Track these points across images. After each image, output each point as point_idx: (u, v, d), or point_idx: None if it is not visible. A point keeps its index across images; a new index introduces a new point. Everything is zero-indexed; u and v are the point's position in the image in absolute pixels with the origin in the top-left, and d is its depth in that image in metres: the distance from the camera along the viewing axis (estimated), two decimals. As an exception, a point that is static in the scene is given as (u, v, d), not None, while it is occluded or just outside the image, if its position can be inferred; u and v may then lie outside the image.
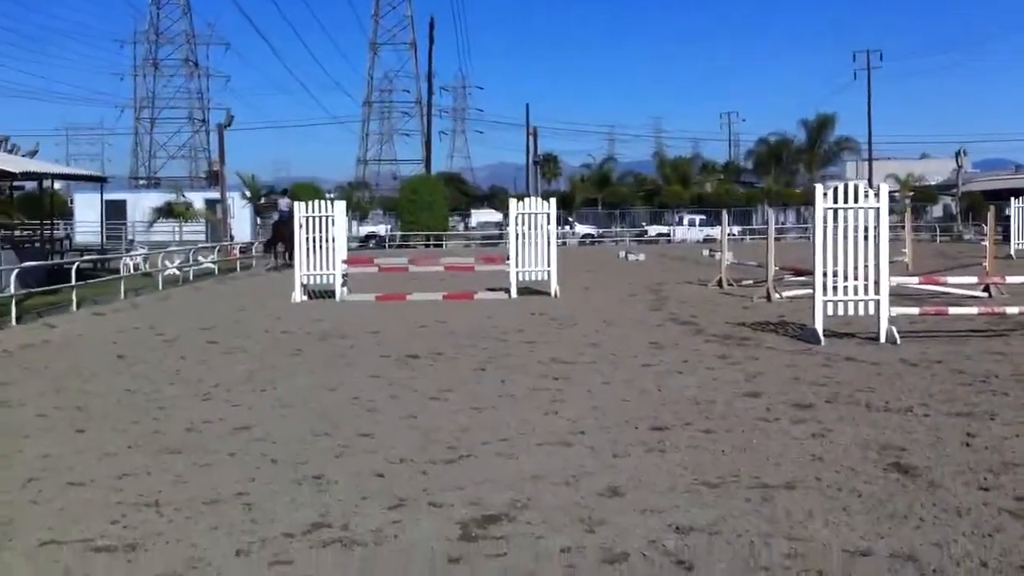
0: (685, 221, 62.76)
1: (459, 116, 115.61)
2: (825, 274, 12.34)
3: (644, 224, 65.00)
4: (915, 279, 15.41)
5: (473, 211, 74.25)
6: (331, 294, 20.60)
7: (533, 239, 20.57)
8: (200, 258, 31.39)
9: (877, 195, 12.31)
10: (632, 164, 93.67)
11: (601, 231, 63.83)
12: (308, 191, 56.49)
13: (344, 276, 20.69)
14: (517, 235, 20.55)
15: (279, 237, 32.99)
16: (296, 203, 21.45)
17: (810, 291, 18.20)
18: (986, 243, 20.72)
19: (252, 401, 9.08)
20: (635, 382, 9.66)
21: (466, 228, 69.80)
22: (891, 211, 44.64)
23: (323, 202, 21.17)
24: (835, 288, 12.35)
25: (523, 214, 20.60)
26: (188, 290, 24.53)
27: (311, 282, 20.67)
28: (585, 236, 61.34)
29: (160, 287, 24.42)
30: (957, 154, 65.34)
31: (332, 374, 10.55)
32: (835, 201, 12.38)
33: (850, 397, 8.59)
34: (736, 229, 60.76)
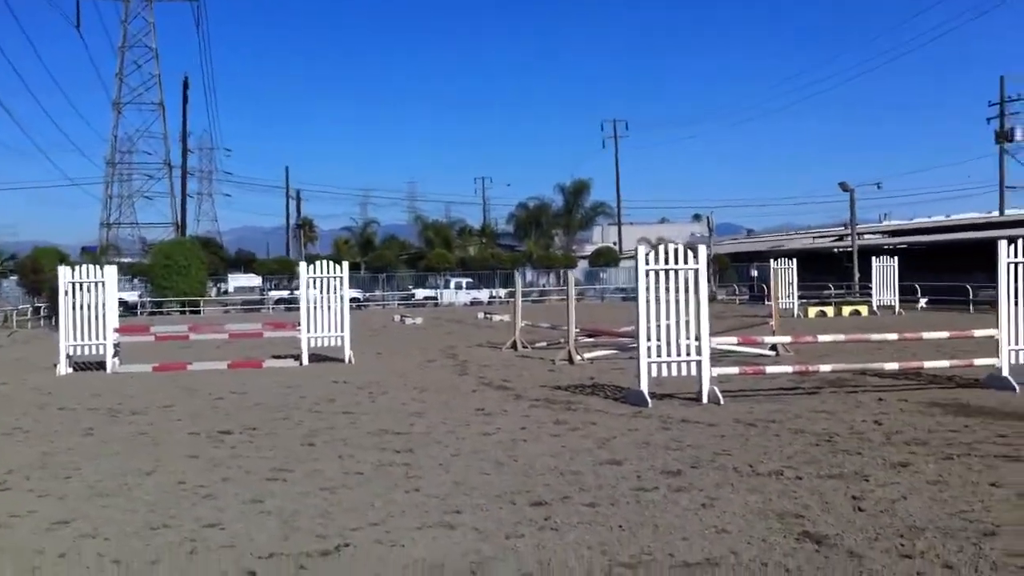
0: (452, 284, 62.96)
1: (206, 178, 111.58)
2: (649, 336, 12.28)
3: (411, 287, 64.65)
4: (733, 339, 15.68)
5: (230, 275, 71.59)
6: (101, 365, 18.94)
7: (325, 303, 19.74)
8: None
9: (696, 256, 12.42)
10: (389, 228, 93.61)
11: (367, 295, 63.02)
12: (51, 256, 52.80)
13: (116, 346, 19.07)
14: (308, 300, 19.63)
15: None
16: (61, 268, 19.65)
17: (611, 352, 18.46)
18: (770, 303, 21.61)
19: (60, 489, 7.89)
20: (484, 453, 9.12)
21: (219, 293, 67.07)
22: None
23: (93, 267, 19.49)
24: (658, 350, 12.32)
25: (315, 278, 19.72)
26: (-73, 364, 21.97)
27: (78, 352, 18.94)
28: (352, 300, 60.23)
29: None
30: (708, 217, 69.18)
31: (141, 455, 9.41)
32: (656, 263, 12.41)
33: (712, 462, 8.41)
34: (502, 292, 61.70)
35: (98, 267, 19.44)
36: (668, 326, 12.31)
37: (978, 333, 13.67)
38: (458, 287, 62.58)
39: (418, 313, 45.17)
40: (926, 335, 14.81)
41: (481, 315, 40.45)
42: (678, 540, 6.00)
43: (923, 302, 37.47)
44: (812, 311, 34.25)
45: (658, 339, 12.32)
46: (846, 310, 34.92)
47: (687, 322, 12.33)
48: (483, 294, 62.17)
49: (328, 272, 19.72)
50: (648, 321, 12.26)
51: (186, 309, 55.01)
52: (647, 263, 12.36)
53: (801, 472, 7.87)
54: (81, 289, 18.87)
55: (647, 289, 12.31)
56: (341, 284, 19.77)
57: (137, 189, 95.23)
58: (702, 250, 12.54)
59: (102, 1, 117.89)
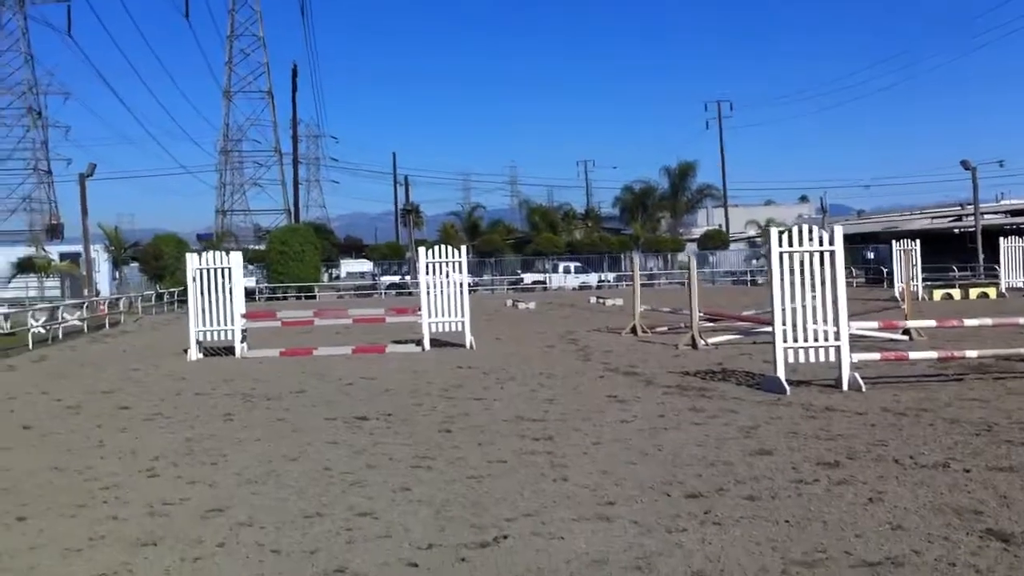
0: (560, 268, 62.72)
1: (313, 165, 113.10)
2: (784, 321, 11.91)
3: (518, 272, 64.65)
4: (873, 323, 15.15)
5: (342, 261, 72.58)
6: (229, 350, 19.32)
7: (445, 289, 19.76)
8: (66, 315, 29.38)
9: (832, 238, 11.98)
10: (492, 212, 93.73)
11: (475, 279, 63.25)
12: (171, 243, 54.39)
13: (243, 331, 19.42)
14: (428, 285, 19.68)
15: None
16: (189, 255, 20.08)
17: (734, 337, 18.06)
18: (900, 286, 20.88)
19: (208, 476, 7.98)
20: (626, 441, 8.94)
21: (331, 279, 67.98)
22: (760, 255, 45.73)
23: (219, 254, 19.88)
24: (794, 335, 11.94)
25: (434, 263, 19.75)
26: (63, 350, 22.76)
27: (206, 338, 19.34)
28: (451, 284, 60.45)
29: (31, 347, 22.58)
30: (820, 198, 67.58)
31: (283, 442, 9.48)
32: (789, 244, 12.01)
33: (868, 453, 8.07)
34: (611, 276, 61.28)
35: (224, 253, 19.80)
36: (804, 310, 11.92)
37: None
38: (566, 271, 62.32)
39: (528, 297, 45.08)
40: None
41: (593, 299, 40.21)
42: (851, 537, 5.72)
43: (1054, 284, 35.92)
44: (937, 294, 33.10)
45: (794, 324, 11.95)
46: (973, 292, 33.65)
47: (824, 306, 11.92)
48: (591, 278, 61.79)
49: (447, 256, 19.71)
50: (783, 305, 11.90)
51: (301, 295, 56.02)
52: (781, 245, 11.97)
53: (968, 464, 7.48)
54: (209, 275, 19.25)
55: (781, 272, 11.93)
56: (460, 268, 19.76)
57: (249, 177, 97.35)
58: (838, 230, 12.10)
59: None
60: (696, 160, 78.21)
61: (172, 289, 45.28)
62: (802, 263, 11.99)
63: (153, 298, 43.34)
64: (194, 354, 18.81)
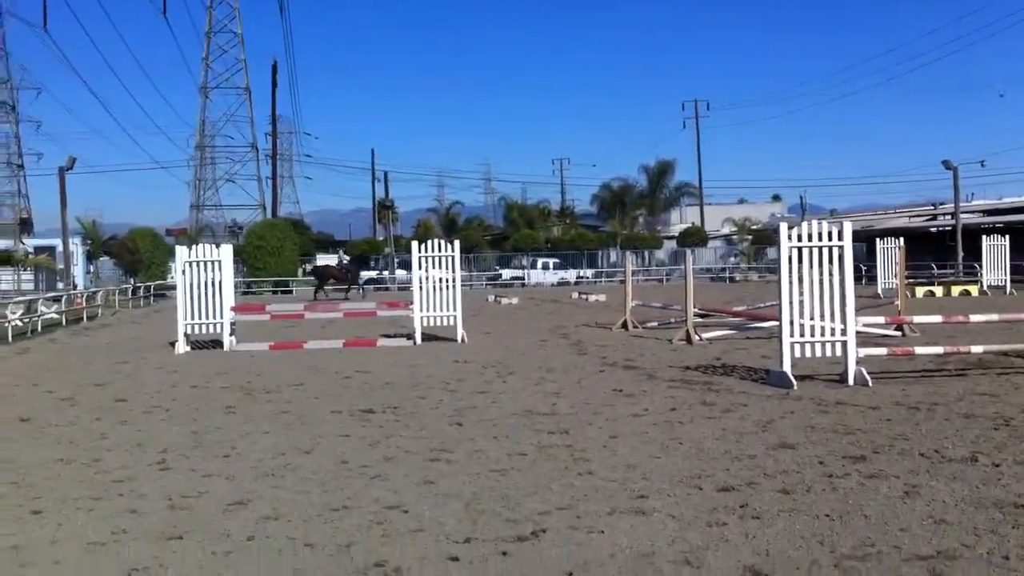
0: (539, 265, 62.59)
1: (288, 162, 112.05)
2: (792, 316, 11.85)
3: (497, 268, 64.46)
4: (879, 319, 15.11)
5: (318, 256, 72.07)
6: (217, 343, 19.07)
7: (437, 283, 19.60)
8: (44, 308, 28.92)
9: (841, 234, 11.93)
10: (468, 209, 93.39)
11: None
12: (147, 237, 53.75)
13: (232, 324, 19.17)
14: (421, 279, 19.50)
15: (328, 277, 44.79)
16: (178, 247, 19.79)
17: (728, 332, 18.02)
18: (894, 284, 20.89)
19: (223, 469, 7.80)
20: (644, 435, 8.83)
21: (305, 274, 67.26)
22: (737, 252, 45.94)
23: (210, 247, 19.61)
24: (800, 329, 11.88)
25: (427, 257, 19.57)
26: (44, 343, 22.35)
27: (193, 331, 19.07)
28: (441, 280, 60.23)
29: (10, 339, 22.19)
30: (801, 196, 67.94)
31: (292, 434, 9.30)
32: (799, 240, 11.95)
33: (891, 447, 7.99)
34: (590, 272, 61.27)
35: (215, 246, 19.54)
36: (812, 305, 11.86)
37: None
38: (545, 267, 62.20)
39: (506, 293, 44.89)
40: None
41: (576, 295, 40.13)
42: (896, 531, 5.63)
43: (1033, 282, 36.19)
44: (920, 291, 33.24)
45: (800, 318, 11.89)
46: (955, 290, 33.85)
47: (831, 301, 11.86)
48: (570, 274, 61.69)
49: (440, 251, 19.55)
50: (791, 299, 11.83)
51: (278, 290, 55.56)
52: (791, 240, 11.90)
53: (996, 459, 7.42)
54: (199, 268, 18.99)
55: (790, 266, 11.87)
56: (453, 263, 19.60)
57: (225, 172, 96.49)
58: (847, 226, 12.05)
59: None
60: (675, 158, 78.48)
61: (148, 283, 44.80)
62: (810, 258, 11.92)
63: (130, 292, 42.82)
64: (182, 347, 18.54)
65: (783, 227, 12.07)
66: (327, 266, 48.57)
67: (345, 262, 48.49)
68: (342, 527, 6.02)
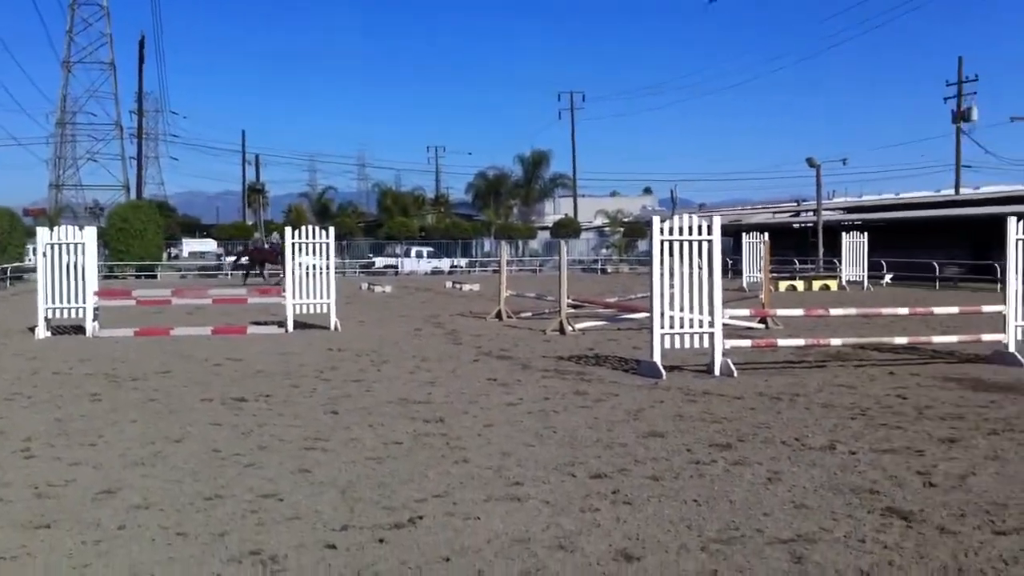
0: (413, 253, 62.39)
1: (153, 141, 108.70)
2: (662, 309, 12.15)
3: (370, 256, 64.01)
4: (744, 311, 15.55)
5: (184, 240, 70.27)
6: (79, 329, 18.45)
7: (310, 270, 19.39)
8: None
9: (711, 228, 12.28)
10: (341, 195, 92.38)
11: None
12: (3, 217, 51.42)
13: (95, 310, 18.57)
14: (294, 265, 19.27)
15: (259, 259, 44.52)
16: (39, 229, 19.05)
17: (600, 323, 18.34)
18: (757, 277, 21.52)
19: (90, 458, 7.59)
20: (519, 423, 8.95)
21: (170, 258, 65.45)
22: (609, 244, 46.75)
23: (72, 228, 18.93)
24: (670, 321, 12.20)
25: (301, 243, 19.34)
26: None
27: (54, 316, 18.42)
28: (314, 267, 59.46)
29: None
30: (671, 191, 69.45)
31: (161, 422, 9.11)
32: (670, 233, 12.25)
33: (755, 435, 8.30)
34: (463, 261, 61.39)
35: (78, 228, 18.88)
36: (681, 297, 12.19)
37: (987, 308, 13.76)
38: (419, 256, 62.05)
39: (382, 281, 44.62)
40: (937, 310, 14.82)
41: (449, 284, 40.20)
42: (760, 515, 5.87)
43: (888, 278, 37.81)
44: (783, 285, 34.38)
45: (670, 310, 12.21)
46: (816, 284, 35.15)
47: (700, 294, 12.21)
48: (444, 263, 61.72)
49: (314, 238, 19.35)
50: (662, 292, 12.13)
51: (142, 274, 54.01)
52: (662, 233, 12.19)
53: (852, 447, 7.79)
54: (60, 251, 18.33)
55: (661, 259, 12.16)
56: (328, 250, 19.42)
57: (87, 151, 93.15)
58: (716, 221, 12.42)
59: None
60: (550, 149, 79.23)
61: (5, 266, 42.99)
62: (680, 251, 12.24)
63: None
64: (42, 332, 17.89)
65: (655, 220, 12.36)
66: (260, 248, 48.05)
67: (275, 243, 47.90)
68: (216, 516, 5.95)
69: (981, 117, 63.39)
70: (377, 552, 5.25)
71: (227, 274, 56.84)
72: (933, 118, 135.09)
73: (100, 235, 55.99)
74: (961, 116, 61.68)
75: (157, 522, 5.80)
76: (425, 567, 4.98)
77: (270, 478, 6.90)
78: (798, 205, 66.54)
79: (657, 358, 12.05)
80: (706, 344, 12.26)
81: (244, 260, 47.68)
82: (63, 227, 18.99)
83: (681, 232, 12.26)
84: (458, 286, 37.92)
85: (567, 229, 69.02)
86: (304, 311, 19.26)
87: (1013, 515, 5.81)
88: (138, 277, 53.28)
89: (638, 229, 70.67)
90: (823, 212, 46.95)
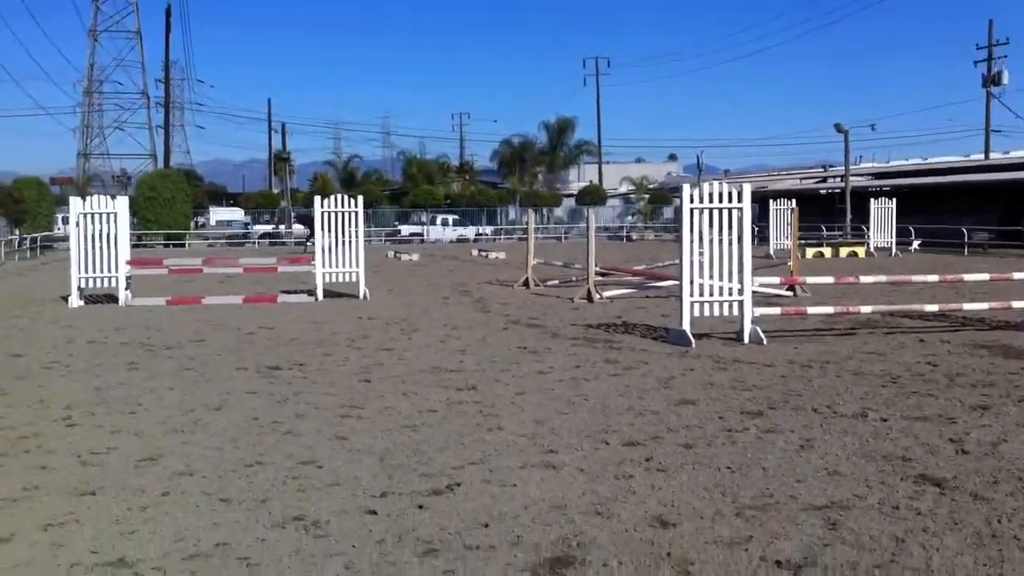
0: (439, 221, 62.42)
1: (180, 110, 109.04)
2: (692, 277, 12.18)
3: (396, 224, 64.13)
4: (774, 279, 15.55)
5: (212, 209, 70.69)
6: (111, 298, 18.68)
7: (340, 239, 19.51)
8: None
9: (740, 196, 12.28)
10: (366, 163, 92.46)
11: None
12: (32, 186, 51.91)
13: (128, 279, 18.79)
14: (324, 234, 19.39)
15: None
16: (72, 199, 19.26)
17: (627, 291, 18.38)
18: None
19: (131, 425, 7.74)
20: (550, 391, 9.04)
21: (197, 227, 65.78)
22: (635, 211, 46.50)
23: (105, 198, 19.13)
24: (700, 289, 12.24)
25: (329, 212, 19.45)
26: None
27: (88, 285, 18.64)
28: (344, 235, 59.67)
29: None
30: (698, 156, 69.01)
31: (199, 391, 9.26)
32: (700, 201, 12.26)
33: (786, 403, 8.36)
34: (489, 229, 61.41)
35: (110, 198, 19.07)
36: (711, 265, 12.21)
37: (1017, 275, 13.71)
38: (444, 224, 62.07)
39: (406, 249, 44.80)
40: (967, 277, 14.75)
41: (476, 252, 40.27)
42: (793, 482, 5.94)
43: (916, 244, 37.60)
44: (810, 252, 34.26)
45: (699, 278, 12.24)
46: (843, 251, 35.00)
47: (729, 262, 12.23)
48: (469, 231, 61.75)
49: (343, 206, 19.44)
50: (692, 260, 12.15)
51: (170, 243, 54.39)
52: (692, 201, 12.20)
53: (884, 414, 7.83)
54: (93, 220, 18.53)
55: (691, 227, 12.17)
56: (356, 219, 19.52)
57: (114, 120, 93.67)
58: (747, 188, 12.40)
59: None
60: (575, 116, 78.86)
61: (35, 234, 43.41)
62: (710, 219, 12.25)
63: (16, 243, 41.47)
64: (75, 301, 18.13)
65: (686, 188, 12.35)
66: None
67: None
68: (257, 482, 6.07)
69: (1012, 81, 62.32)
70: (417, 518, 5.36)
71: (255, 243, 57.16)
72: (963, 82, 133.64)
73: (129, 204, 56.78)
74: (991, 80, 60.87)
75: (200, 488, 5.93)
76: (465, 532, 5.09)
77: (308, 445, 7.03)
78: (825, 171, 66.04)
79: (687, 326, 12.10)
80: (735, 312, 12.30)
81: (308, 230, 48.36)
82: (95, 197, 19.20)
83: (711, 200, 12.26)
84: (484, 254, 38.01)
85: (592, 196, 68.85)
86: (333, 279, 19.39)
87: (1046, 482, 5.86)
88: (166, 246, 53.63)
89: (663, 196, 70.49)
90: (851, 178, 46.65)
